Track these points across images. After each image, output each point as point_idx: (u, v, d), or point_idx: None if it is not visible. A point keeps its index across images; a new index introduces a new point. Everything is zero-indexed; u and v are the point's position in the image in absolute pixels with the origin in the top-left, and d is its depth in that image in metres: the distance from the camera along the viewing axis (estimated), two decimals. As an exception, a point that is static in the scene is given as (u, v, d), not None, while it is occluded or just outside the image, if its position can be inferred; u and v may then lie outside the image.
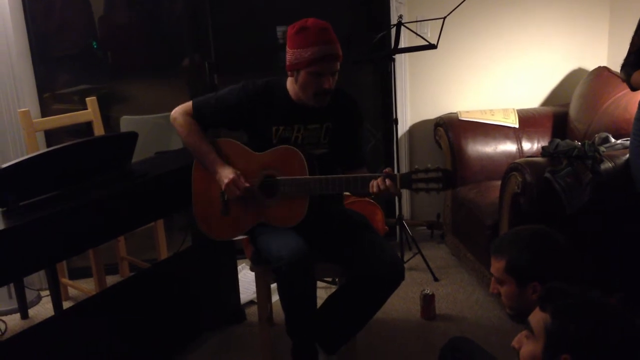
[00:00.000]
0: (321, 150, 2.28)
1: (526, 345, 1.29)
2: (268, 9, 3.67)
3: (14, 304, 3.07)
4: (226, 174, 2.22)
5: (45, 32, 3.44)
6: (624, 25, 2.75)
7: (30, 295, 3.17)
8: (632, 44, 2.48)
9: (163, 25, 3.76)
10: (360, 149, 2.40)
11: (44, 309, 3.15)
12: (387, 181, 2.01)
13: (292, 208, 2.19)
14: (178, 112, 2.35)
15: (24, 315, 3.05)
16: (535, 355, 1.25)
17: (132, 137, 2.34)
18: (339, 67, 2.17)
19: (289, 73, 2.21)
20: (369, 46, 3.31)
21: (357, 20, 3.81)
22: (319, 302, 2.29)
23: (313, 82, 2.14)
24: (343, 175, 2.17)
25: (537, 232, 1.64)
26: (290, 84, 2.25)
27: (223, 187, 2.22)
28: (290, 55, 2.16)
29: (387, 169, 2.05)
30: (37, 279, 3.32)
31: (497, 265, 1.63)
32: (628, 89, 2.53)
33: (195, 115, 2.32)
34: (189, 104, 2.34)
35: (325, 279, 3.11)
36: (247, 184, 2.21)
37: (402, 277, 2.18)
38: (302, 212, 2.17)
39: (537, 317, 1.27)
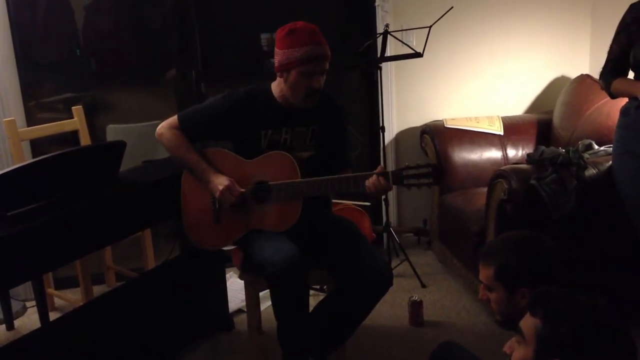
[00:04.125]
0: (308, 153, 2.30)
1: (517, 350, 1.30)
2: (254, 16, 3.68)
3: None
4: (220, 182, 2.22)
5: (30, 40, 3.41)
6: (605, 33, 2.80)
7: (15, 305, 3.13)
8: (610, 52, 2.53)
9: (148, 32, 3.74)
10: (345, 151, 2.44)
11: (29, 320, 3.11)
12: (381, 178, 2.07)
13: (285, 212, 2.20)
14: (164, 127, 2.33)
15: (10, 327, 3.01)
16: (527, 360, 1.27)
17: (121, 146, 2.33)
18: (328, 66, 2.20)
19: (279, 74, 2.22)
20: (355, 54, 3.33)
21: (343, 28, 3.83)
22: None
23: (304, 81, 2.17)
24: (336, 176, 2.19)
25: (525, 238, 1.66)
26: (276, 86, 2.27)
27: (218, 195, 2.22)
28: (280, 55, 2.18)
29: (380, 166, 2.11)
30: (22, 289, 3.28)
31: (486, 273, 1.65)
32: (609, 97, 2.58)
33: (182, 127, 2.31)
34: (173, 119, 2.34)
35: (314, 286, 3.11)
36: (242, 190, 2.22)
37: (390, 284, 2.20)
38: (295, 215, 2.19)
39: (527, 322, 1.29)
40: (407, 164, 2.09)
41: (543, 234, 1.66)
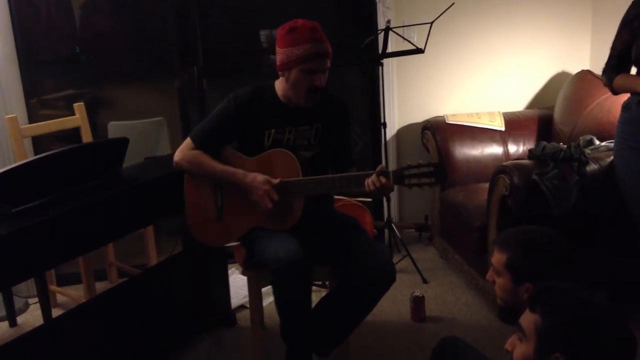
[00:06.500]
0: (311, 152, 2.30)
1: (519, 347, 1.31)
2: (256, 12, 3.68)
3: (2, 312, 3.04)
4: (259, 181, 2.17)
5: (32, 38, 3.41)
6: (606, 29, 2.81)
7: (17, 302, 3.14)
8: (612, 48, 2.53)
9: (149, 29, 3.74)
10: (349, 150, 2.43)
11: (32, 317, 3.12)
12: (382, 178, 2.05)
13: (287, 211, 2.20)
14: (181, 152, 2.32)
15: (12, 323, 3.02)
16: (528, 356, 1.27)
17: (123, 142, 2.34)
18: (329, 64, 2.19)
19: (280, 73, 2.22)
20: (357, 50, 3.33)
21: (345, 24, 3.83)
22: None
23: (305, 79, 2.16)
24: (337, 175, 2.19)
25: (544, 237, 1.64)
26: (279, 85, 2.27)
27: (256, 197, 2.18)
28: (281, 54, 2.18)
29: (381, 166, 2.09)
30: (24, 286, 3.29)
31: (498, 257, 1.64)
32: (611, 92, 2.58)
33: (198, 146, 2.30)
34: (187, 141, 2.33)
35: (316, 282, 3.12)
36: (276, 181, 2.17)
37: (393, 279, 2.20)
38: (297, 214, 2.19)
39: (527, 319, 1.29)
40: (408, 163, 2.07)
41: (563, 236, 1.64)
